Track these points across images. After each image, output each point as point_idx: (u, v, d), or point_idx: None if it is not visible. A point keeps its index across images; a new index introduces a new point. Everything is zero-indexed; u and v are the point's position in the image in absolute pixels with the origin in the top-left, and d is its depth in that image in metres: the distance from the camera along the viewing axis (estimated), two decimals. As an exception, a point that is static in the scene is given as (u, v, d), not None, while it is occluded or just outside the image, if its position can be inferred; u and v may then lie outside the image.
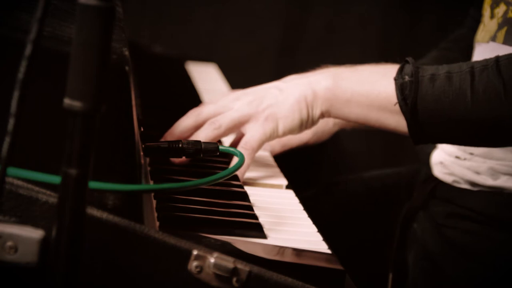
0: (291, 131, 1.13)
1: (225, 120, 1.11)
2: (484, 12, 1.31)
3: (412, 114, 1.07)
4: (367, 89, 1.11)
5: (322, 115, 1.13)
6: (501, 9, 1.27)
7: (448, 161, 1.30)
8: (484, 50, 1.27)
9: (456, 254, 1.25)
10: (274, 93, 1.13)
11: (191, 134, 1.12)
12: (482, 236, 1.24)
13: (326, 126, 1.35)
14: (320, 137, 1.36)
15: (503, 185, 1.24)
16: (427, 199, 1.33)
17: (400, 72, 1.09)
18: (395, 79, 1.08)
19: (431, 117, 1.07)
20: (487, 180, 1.24)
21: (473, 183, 1.26)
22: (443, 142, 1.20)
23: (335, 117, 1.14)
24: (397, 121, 1.09)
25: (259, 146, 1.11)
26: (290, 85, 1.13)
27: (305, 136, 1.32)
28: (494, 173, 1.24)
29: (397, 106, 1.08)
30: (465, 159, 1.27)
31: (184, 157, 1.07)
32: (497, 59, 1.07)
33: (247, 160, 1.08)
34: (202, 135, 1.10)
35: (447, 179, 1.31)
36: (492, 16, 1.29)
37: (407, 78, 1.07)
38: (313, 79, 1.13)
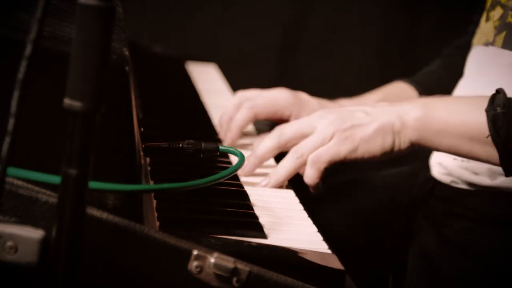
0: (370, 156, 1.10)
1: (307, 148, 1.10)
2: (482, 16, 1.31)
3: (505, 147, 1.06)
4: (458, 120, 1.10)
5: (412, 145, 1.11)
6: (497, 12, 1.27)
7: (447, 162, 1.30)
8: (481, 54, 1.28)
9: (454, 253, 1.25)
10: (359, 115, 1.11)
11: (273, 155, 1.13)
12: (480, 236, 1.24)
13: None
14: None
15: (501, 185, 1.24)
16: (426, 199, 1.33)
17: (491, 103, 1.08)
18: (487, 111, 1.07)
19: None
20: (485, 181, 1.25)
21: (471, 184, 1.27)
22: None
23: (425, 147, 1.13)
24: (489, 153, 1.09)
25: (329, 164, 1.09)
26: (377, 111, 1.12)
27: None
28: (492, 173, 1.24)
29: (489, 138, 1.07)
30: (463, 160, 1.27)
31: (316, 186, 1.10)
32: None
33: (314, 176, 1.09)
34: (286, 164, 1.10)
35: (446, 179, 1.31)
36: (487, 19, 1.29)
37: (499, 109, 1.06)
38: (401, 109, 1.12)
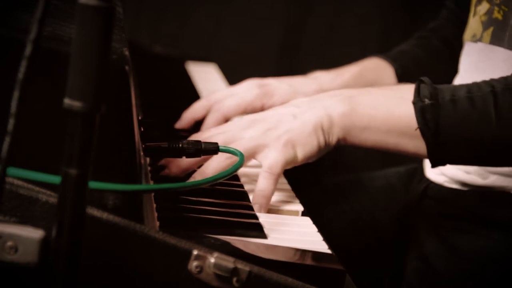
0: (309, 158, 1.08)
1: (239, 149, 1.05)
2: (470, 11, 1.31)
3: (434, 138, 1.04)
4: (385, 115, 1.07)
5: (339, 142, 1.08)
6: (483, 7, 1.26)
7: None
8: (472, 50, 1.27)
9: (450, 254, 1.25)
10: (288, 119, 1.08)
11: (200, 165, 1.06)
12: (473, 236, 1.24)
13: None
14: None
15: (493, 184, 1.24)
16: (420, 199, 1.33)
17: (417, 94, 1.05)
18: (414, 103, 1.05)
19: (454, 140, 1.04)
20: (477, 180, 1.25)
21: (463, 183, 1.27)
22: (464, 163, 1.18)
23: (351, 143, 1.09)
24: (417, 146, 1.06)
25: (281, 172, 1.06)
26: (304, 110, 1.09)
27: None
28: (484, 172, 1.24)
29: (418, 131, 1.05)
30: None
31: None
32: None
33: (272, 186, 1.03)
34: (214, 165, 1.04)
35: (439, 179, 1.31)
36: (474, 13, 1.28)
37: (427, 101, 1.04)
38: (327, 104, 1.08)
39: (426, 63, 1.44)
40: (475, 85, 1.07)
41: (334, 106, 1.08)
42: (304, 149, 1.06)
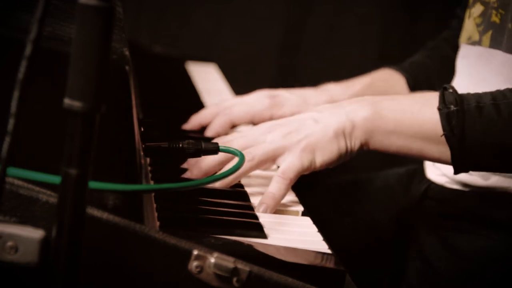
0: (328, 164, 1.07)
1: (258, 152, 1.06)
2: (466, 13, 1.31)
3: (459, 144, 1.05)
4: (410, 120, 1.07)
5: (362, 147, 1.08)
6: (477, 9, 1.26)
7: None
8: (470, 53, 1.27)
9: (450, 254, 1.25)
10: (309, 124, 1.07)
11: (220, 168, 1.06)
12: (473, 236, 1.24)
13: None
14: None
15: (494, 185, 1.24)
16: (421, 200, 1.33)
17: (442, 100, 1.06)
18: (439, 109, 1.05)
19: (479, 146, 1.05)
20: (478, 181, 1.25)
21: (465, 184, 1.27)
22: (487, 170, 1.18)
23: (374, 148, 1.09)
24: (441, 152, 1.06)
25: (296, 177, 1.05)
26: (325, 115, 1.08)
27: None
28: (485, 173, 1.24)
29: (443, 137, 1.05)
30: None
31: None
32: None
33: (283, 191, 1.03)
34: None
35: (440, 180, 1.31)
36: (469, 16, 1.28)
37: (452, 107, 1.05)
38: (350, 109, 1.08)
39: (436, 73, 1.44)
40: (499, 93, 1.08)
41: (357, 111, 1.08)
42: (323, 155, 1.06)
